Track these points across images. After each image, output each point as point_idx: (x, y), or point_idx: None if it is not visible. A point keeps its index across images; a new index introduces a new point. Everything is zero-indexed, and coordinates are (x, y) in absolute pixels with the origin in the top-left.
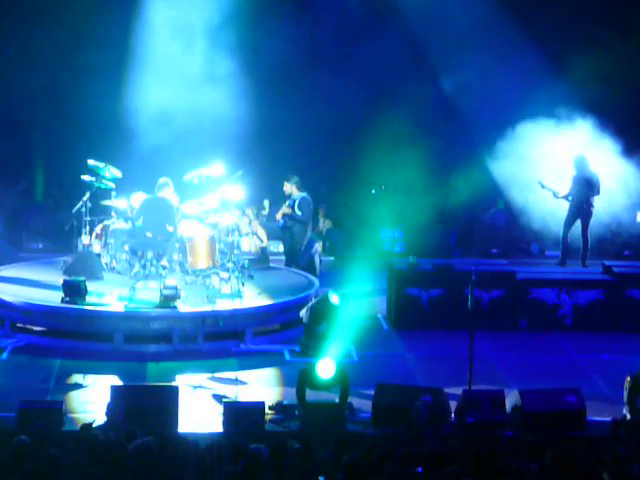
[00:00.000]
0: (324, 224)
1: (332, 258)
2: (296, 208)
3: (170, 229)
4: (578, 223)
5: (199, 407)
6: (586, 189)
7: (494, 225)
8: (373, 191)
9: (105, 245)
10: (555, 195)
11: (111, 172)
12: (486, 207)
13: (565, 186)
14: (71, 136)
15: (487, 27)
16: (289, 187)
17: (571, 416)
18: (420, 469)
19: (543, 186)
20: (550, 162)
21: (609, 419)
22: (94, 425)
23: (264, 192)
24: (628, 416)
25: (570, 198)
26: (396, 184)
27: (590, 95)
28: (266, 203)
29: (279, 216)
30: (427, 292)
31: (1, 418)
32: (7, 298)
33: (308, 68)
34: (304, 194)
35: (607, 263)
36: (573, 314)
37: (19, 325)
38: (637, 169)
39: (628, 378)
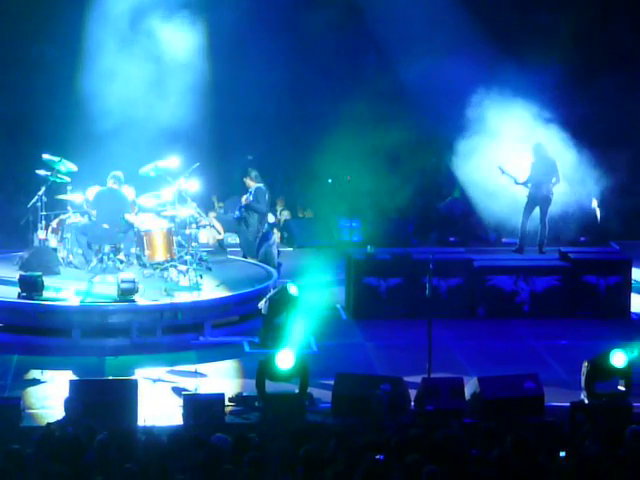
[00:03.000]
0: (282, 215)
1: (290, 249)
2: (251, 198)
3: (128, 217)
4: (536, 210)
5: (159, 400)
6: (545, 176)
7: (451, 213)
8: (330, 180)
9: (61, 239)
10: (515, 181)
11: (66, 166)
12: (443, 195)
13: (524, 173)
14: (25, 130)
15: (444, 16)
16: (249, 181)
17: (530, 402)
18: (381, 457)
19: (503, 172)
20: (506, 147)
21: (567, 404)
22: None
23: (218, 185)
24: (586, 401)
25: (529, 185)
26: (353, 173)
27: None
28: (214, 199)
29: (244, 200)
30: (385, 281)
31: None
32: None
33: (264, 56)
34: (260, 185)
35: (563, 250)
36: (530, 300)
37: None
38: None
39: (585, 363)
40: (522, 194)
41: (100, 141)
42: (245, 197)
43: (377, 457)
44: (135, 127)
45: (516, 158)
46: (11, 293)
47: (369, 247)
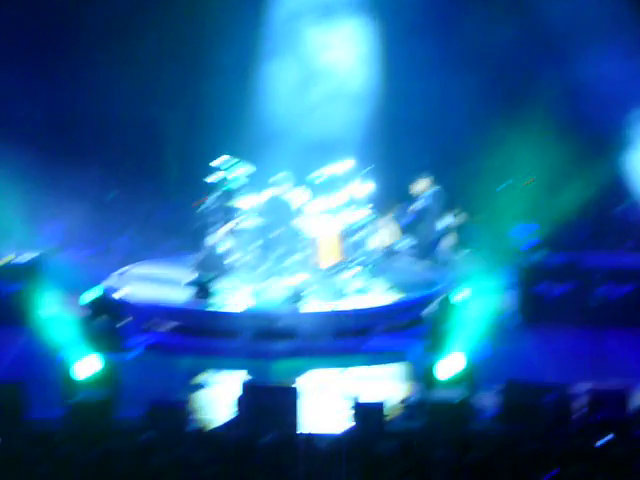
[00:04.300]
0: (458, 218)
1: (465, 252)
2: (428, 202)
3: (299, 221)
4: None
5: (324, 405)
6: None
7: (628, 219)
8: (508, 183)
9: (234, 243)
10: None
11: (239, 171)
12: (619, 201)
13: None
14: (203, 134)
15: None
16: (424, 184)
17: None
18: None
19: None
20: None
21: None
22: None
23: (394, 187)
24: None
25: None
26: (532, 177)
27: None
28: (390, 202)
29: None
30: (557, 287)
31: (130, 416)
32: (138, 297)
33: (435, 60)
34: (436, 188)
35: None
36: None
37: (150, 324)
38: None
39: None
40: None
41: (272, 145)
42: (420, 201)
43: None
44: (308, 130)
45: None
46: (184, 296)
47: (542, 252)
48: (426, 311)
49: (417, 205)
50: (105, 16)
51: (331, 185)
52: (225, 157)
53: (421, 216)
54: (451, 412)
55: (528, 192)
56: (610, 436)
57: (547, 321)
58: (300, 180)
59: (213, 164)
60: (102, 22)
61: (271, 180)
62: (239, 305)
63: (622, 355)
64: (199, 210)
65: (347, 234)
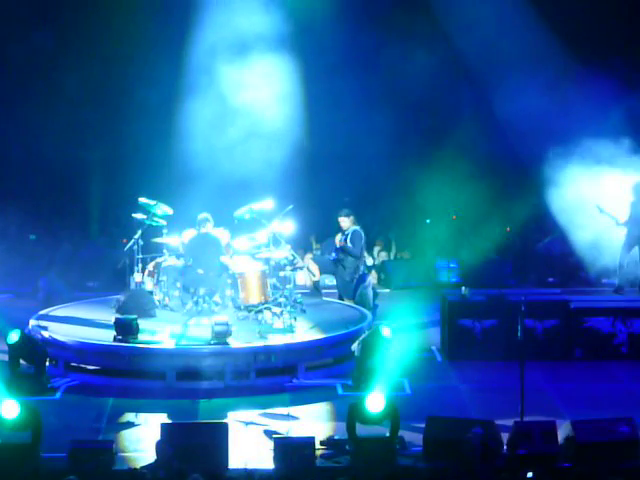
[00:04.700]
0: (379, 256)
1: (387, 290)
2: (348, 241)
3: (223, 260)
4: (635, 249)
5: (250, 443)
6: None
7: (550, 254)
8: (428, 221)
9: (157, 282)
10: (617, 223)
11: (162, 209)
12: (541, 236)
13: (623, 212)
14: (125, 173)
15: (536, 49)
16: (347, 222)
17: (624, 446)
18: None
19: (601, 211)
20: (607, 188)
21: None
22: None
23: (314, 226)
24: None
25: (628, 223)
26: (450, 214)
27: None
28: (312, 240)
29: (337, 242)
30: (480, 323)
31: (52, 458)
32: (61, 338)
33: (358, 96)
34: (357, 227)
35: None
36: (629, 342)
37: (73, 364)
38: None
39: None
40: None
41: (193, 185)
42: (339, 238)
43: None
44: (228, 170)
45: (615, 196)
46: (107, 336)
47: (463, 289)
48: (350, 348)
49: (337, 243)
50: (27, 56)
51: (254, 223)
52: (144, 199)
53: (342, 254)
54: (378, 448)
55: (450, 229)
56: (535, 470)
57: (471, 356)
58: (222, 219)
59: (137, 202)
60: (23, 62)
61: (198, 217)
62: (163, 344)
63: (546, 389)
64: (123, 249)
65: (271, 272)
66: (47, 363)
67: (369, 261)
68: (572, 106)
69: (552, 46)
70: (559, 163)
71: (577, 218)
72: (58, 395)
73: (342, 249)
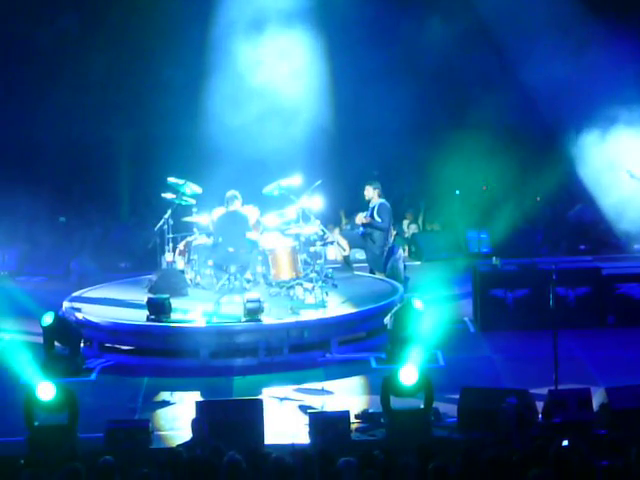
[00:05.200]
0: (409, 228)
1: (418, 263)
2: (375, 215)
3: (252, 237)
4: None
5: (285, 419)
6: None
7: (580, 221)
8: (457, 192)
9: (189, 261)
10: None
11: (191, 188)
12: (572, 204)
13: None
14: (154, 154)
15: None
16: (371, 192)
17: None
18: None
19: (632, 176)
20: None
21: None
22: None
23: (343, 201)
24: None
25: None
26: (479, 185)
27: None
28: (341, 215)
29: (358, 221)
30: (512, 292)
31: (89, 439)
32: (94, 319)
33: (386, 69)
34: (382, 200)
35: None
36: None
37: (107, 345)
38: None
39: None
40: None
41: (222, 163)
42: (362, 215)
43: None
44: (256, 146)
45: None
46: (140, 316)
47: (494, 259)
48: (383, 321)
49: (361, 220)
50: (54, 40)
51: (282, 199)
52: (173, 178)
53: (370, 228)
54: (412, 420)
55: (481, 199)
56: (570, 437)
57: (504, 327)
58: (250, 196)
59: (166, 182)
60: (51, 46)
61: (226, 195)
62: (196, 323)
63: (579, 356)
64: (155, 229)
65: (301, 247)
66: (81, 344)
67: (400, 232)
68: (598, 72)
69: (576, 12)
70: (587, 130)
71: (607, 184)
72: (93, 376)
73: (370, 224)
